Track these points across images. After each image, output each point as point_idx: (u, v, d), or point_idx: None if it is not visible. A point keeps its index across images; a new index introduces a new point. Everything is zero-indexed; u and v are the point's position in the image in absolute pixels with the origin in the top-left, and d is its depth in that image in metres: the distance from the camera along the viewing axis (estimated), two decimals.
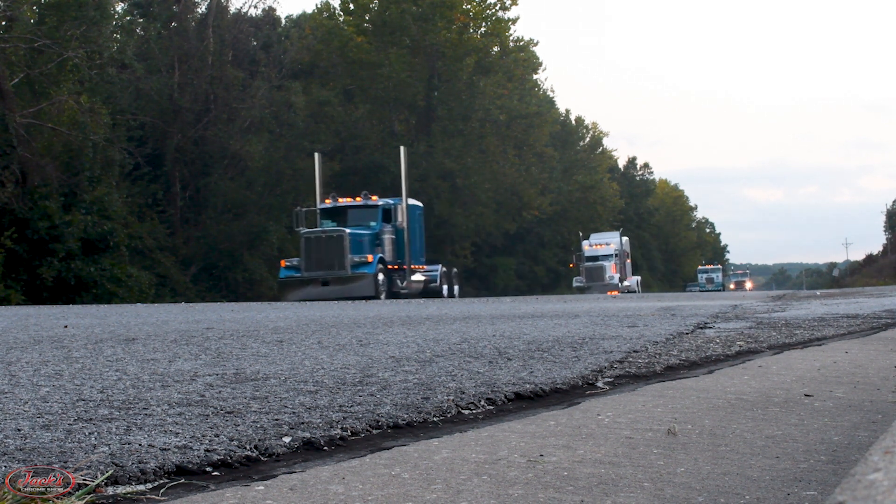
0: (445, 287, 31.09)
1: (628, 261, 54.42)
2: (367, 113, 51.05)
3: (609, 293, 43.37)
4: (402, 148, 29.58)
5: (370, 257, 26.17)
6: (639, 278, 57.80)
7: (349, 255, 26.09)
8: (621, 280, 51.18)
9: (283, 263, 27.77)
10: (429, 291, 29.97)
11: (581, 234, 55.31)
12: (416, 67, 52.18)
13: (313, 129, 46.15)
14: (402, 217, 28.56)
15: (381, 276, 26.46)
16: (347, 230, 26.62)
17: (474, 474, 2.44)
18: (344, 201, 28.54)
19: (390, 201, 28.85)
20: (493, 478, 2.41)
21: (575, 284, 52.00)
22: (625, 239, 54.56)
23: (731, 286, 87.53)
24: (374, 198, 28.80)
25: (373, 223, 27.81)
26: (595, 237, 54.63)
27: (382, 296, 26.13)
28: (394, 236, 28.41)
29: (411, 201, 30.06)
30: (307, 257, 26.55)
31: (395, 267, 28.04)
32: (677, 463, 2.63)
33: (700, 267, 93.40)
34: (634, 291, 51.20)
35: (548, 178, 62.56)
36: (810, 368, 4.99)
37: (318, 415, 3.19)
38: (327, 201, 28.98)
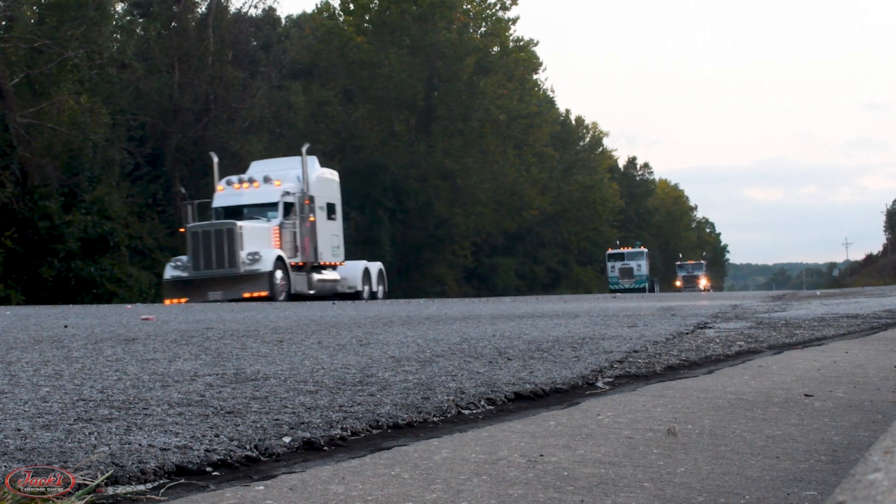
0: None
1: (331, 221, 25.48)
2: (367, 113, 51.10)
3: (247, 295, 21.66)
4: None
5: None
6: (378, 266, 27.19)
7: None
8: (304, 263, 23.80)
9: None
10: None
11: (216, 162, 25.89)
12: (416, 67, 52.21)
13: (313, 129, 46.18)
14: None
15: None
16: None
17: (474, 474, 2.44)
18: None
19: None
20: (493, 478, 2.41)
21: (167, 276, 22.97)
22: (329, 174, 26.11)
23: (678, 283, 63.06)
24: None
25: None
26: (256, 166, 25.83)
27: None
28: None
29: None
30: None
31: None
32: (677, 463, 2.63)
33: (609, 251, 58.53)
34: (357, 292, 25.41)
35: (548, 178, 62.57)
36: (810, 368, 4.99)
37: (318, 415, 3.19)
38: None
